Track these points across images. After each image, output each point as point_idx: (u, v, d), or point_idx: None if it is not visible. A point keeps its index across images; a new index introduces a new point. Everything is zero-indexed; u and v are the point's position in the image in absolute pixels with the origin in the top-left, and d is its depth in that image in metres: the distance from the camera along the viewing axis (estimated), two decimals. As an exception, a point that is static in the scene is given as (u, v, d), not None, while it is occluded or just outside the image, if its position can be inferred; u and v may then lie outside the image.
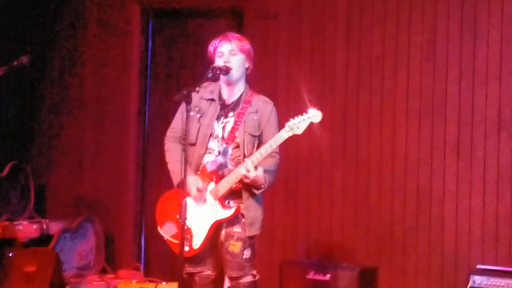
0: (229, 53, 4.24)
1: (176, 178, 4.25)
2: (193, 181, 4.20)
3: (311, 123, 4.13)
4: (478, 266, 5.40)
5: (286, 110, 5.98)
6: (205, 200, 4.22)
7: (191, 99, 4.05)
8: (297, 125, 4.10)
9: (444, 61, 5.79)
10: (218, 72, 4.19)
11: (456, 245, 5.70)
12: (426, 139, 5.82)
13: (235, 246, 4.22)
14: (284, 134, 4.11)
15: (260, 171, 4.11)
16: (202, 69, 4.37)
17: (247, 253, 4.24)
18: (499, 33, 5.64)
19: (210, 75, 4.19)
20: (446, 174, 5.76)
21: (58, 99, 6.96)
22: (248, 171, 4.07)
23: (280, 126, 4.27)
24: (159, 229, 4.36)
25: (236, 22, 6.46)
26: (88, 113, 6.88)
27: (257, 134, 4.25)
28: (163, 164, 6.69)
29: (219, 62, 4.24)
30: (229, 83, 4.29)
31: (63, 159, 6.93)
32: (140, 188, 6.81)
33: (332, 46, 6.12)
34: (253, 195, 4.23)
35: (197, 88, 4.13)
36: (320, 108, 4.17)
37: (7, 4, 6.70)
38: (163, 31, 6.85)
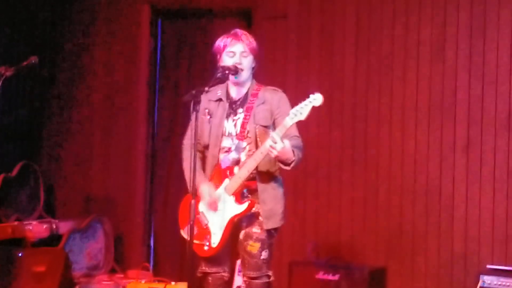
0: (241, 54, 4.22)
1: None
2: (207, 190, 4.22)
3: (314, 107, 4.07)
4: (488, 266, 5.38)
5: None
6: (216, 208, 4.23)
7: (200, 99, 4.04)
8: (300, 110, 4.05)
9: (453, 60, 5.77)
10: (227, 72, 4.19)
11: (466, 245, 5.69)
12: (436, 138, 5.81)
13: (253, 247, 4.22)
14: (289, 121, 4.06)
15: (286, 143, 4.06)
16: (211, 69, 4.37)
17: (264, 254, 4.24)
18: (509, 31, 5.62)
19: (219, 75, 4.18)
20: (455, 174, 5.74)
21: (67, 99, 6.98)
22: (275, 142, 4.01)
23: None
24: (181, 232, 4.35)
25: (245, 22, 6.45)
26: (97, 113, 6.90)
27: (269, 123, 4.23)
28: (172, 164, 6.71)
29: (227, 61, 4.23)
30: (238, 83, 4.29)
31: (72, 159, 6.95)
32: (149, 188, 6.82)
33: (341, 45, 6.11)
34: (268, 187, 4.21)
35: (206, 88, 4.11)
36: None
37: (17, 5, 6.72)
38: (172, 32, 6.85)
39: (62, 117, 6.99)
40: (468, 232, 5.68)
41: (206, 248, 4.23)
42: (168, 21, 6.86)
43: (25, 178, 6.51)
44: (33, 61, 4.45)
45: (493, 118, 5.65)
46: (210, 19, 6.67)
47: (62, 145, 6.97)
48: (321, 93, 4.08)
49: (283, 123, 4.06)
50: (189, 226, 3.99)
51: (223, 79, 4.25)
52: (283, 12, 6.29)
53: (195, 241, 4.19)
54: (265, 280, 4.26)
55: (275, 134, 4.04)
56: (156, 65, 6.86)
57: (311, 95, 4.08)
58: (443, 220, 5.76)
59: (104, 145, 6.86)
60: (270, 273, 4.29)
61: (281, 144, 4.01)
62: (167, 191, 6.70)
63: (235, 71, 4.19)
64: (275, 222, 4.26)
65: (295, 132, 4.22)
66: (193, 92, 4.01)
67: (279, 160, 4.12)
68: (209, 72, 6.24)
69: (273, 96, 4.28)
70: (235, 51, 4.22)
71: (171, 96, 6.79)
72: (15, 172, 6.41)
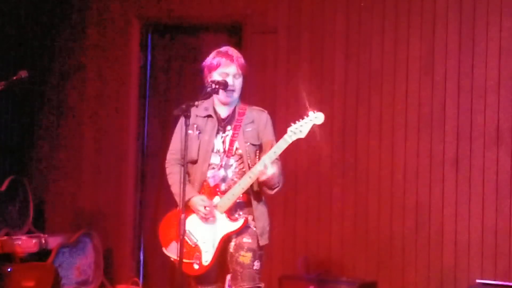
0: (234, 76, 4.23)
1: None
2: (200, 201, 4.20)
3: (314, 125, 4.13)
4: (477, 281, 5.39)
5: (285, 124, 6.00)
6: (214, 218, 4.22)
7: (190, 114, 4.05)
8: (300, 128, 4.11)
9: (442, 75, 5.80)
10: (217, 86, 4.19)
11: (455, 259, 5.69)
12: (425, 153, 5.82)
13: (245, 257, 4.21)
14: (288, 139, 4.11)
15: (275, 168, 4.12)
16: (201, 84, 4.37)
17: (257, 264, 4.23)
18: (497, 46, 5.66)
19: (209, 89, 4.19)
20: (445, 188, 5.76)
21: (57, 113, 6.97)
22: (266, 167, 4.06)
23: (278, 133, 4.29)
24: (164, 250, 4.32)
25: (235, 37, 6.48)
26: (87, 127, 6.88)
27: (258, 143, 4.28)
28: (162, 178, 6.67)
29: (217, 77, 4.24)
30: (227, 104, 4.29)
31: (61, 174, 6.92)
32: (138, 203, 6.81)
33: (330, 60, 6.13)
34: (260, 204, 4.24)
35: (196, 103, 4.13)
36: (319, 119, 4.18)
37: (7, 18, 6.71)
38: (162, 46, 6.86)
39: (52, 131, 6.97)
40: (458, 246, 5.69)
41: (196, 266, 4.20)
42: (158, 35, 6.87)
43: (14, 192, 6.49)
44: (22, 76, 4.45)
45: (482, 132, 5.68)
46: (200, 34, 6.68)
47: (52, 159, 6.95)
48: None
49: (283, 140, 4.10)
50: (179, 242, 3.98)
51: (212, 94, 4.25)
52: (273, 27, 6.31)
53: (184, 260, 4.17)
54: None
55: (266, 159, 4.08)
56: (146, 80, 6.86)
57: (310, 113, 4.12)
58: (433, 234, 5.77)
59: (94, 159, 6.85)
60: (262, 285, 4.27)
61: (271, 169, 4.08)
62: (157, 205, 6.69)
63: (225, 85, 4.20)
64: (265, 239, 4.28)
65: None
66: (183, 106, 4.02)
67: (264, 184, 4.17)
68: (199, 86, 6.26)
69: (261, 117, 4.33)
70: (229, 72, 4.22)
71: (161, 110, 6.79)
72: (4, 186, 6.39)
